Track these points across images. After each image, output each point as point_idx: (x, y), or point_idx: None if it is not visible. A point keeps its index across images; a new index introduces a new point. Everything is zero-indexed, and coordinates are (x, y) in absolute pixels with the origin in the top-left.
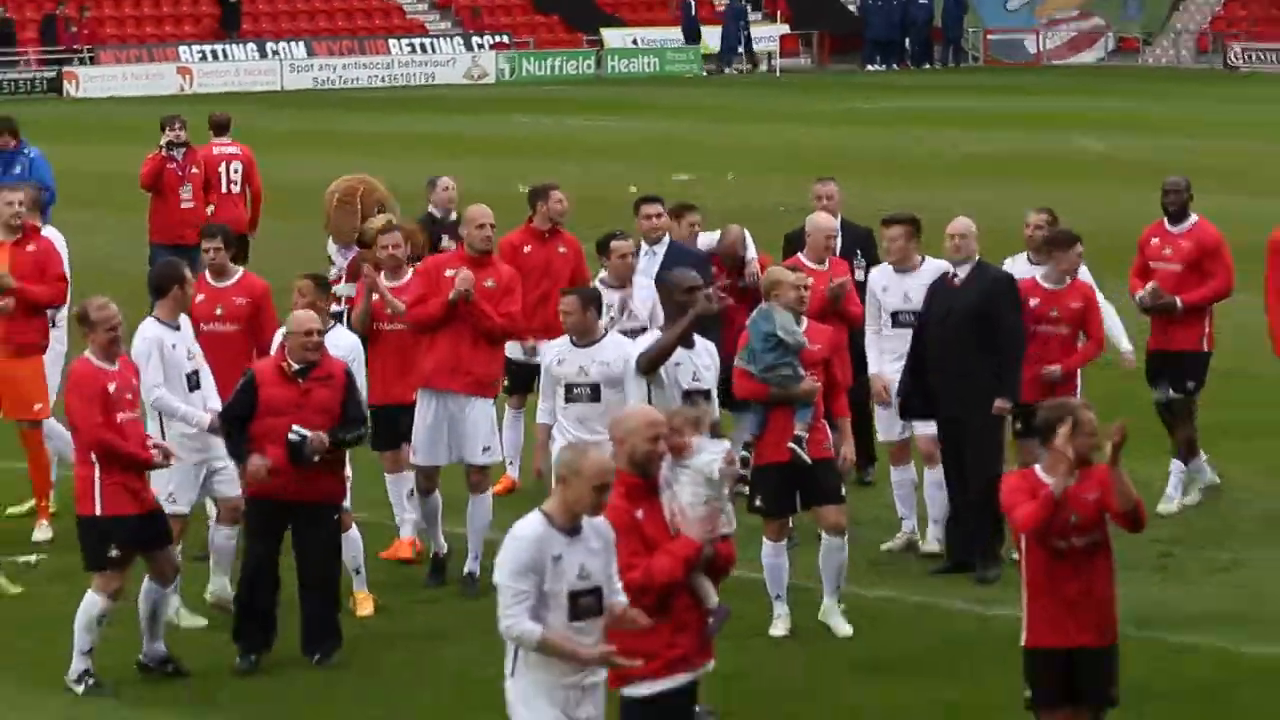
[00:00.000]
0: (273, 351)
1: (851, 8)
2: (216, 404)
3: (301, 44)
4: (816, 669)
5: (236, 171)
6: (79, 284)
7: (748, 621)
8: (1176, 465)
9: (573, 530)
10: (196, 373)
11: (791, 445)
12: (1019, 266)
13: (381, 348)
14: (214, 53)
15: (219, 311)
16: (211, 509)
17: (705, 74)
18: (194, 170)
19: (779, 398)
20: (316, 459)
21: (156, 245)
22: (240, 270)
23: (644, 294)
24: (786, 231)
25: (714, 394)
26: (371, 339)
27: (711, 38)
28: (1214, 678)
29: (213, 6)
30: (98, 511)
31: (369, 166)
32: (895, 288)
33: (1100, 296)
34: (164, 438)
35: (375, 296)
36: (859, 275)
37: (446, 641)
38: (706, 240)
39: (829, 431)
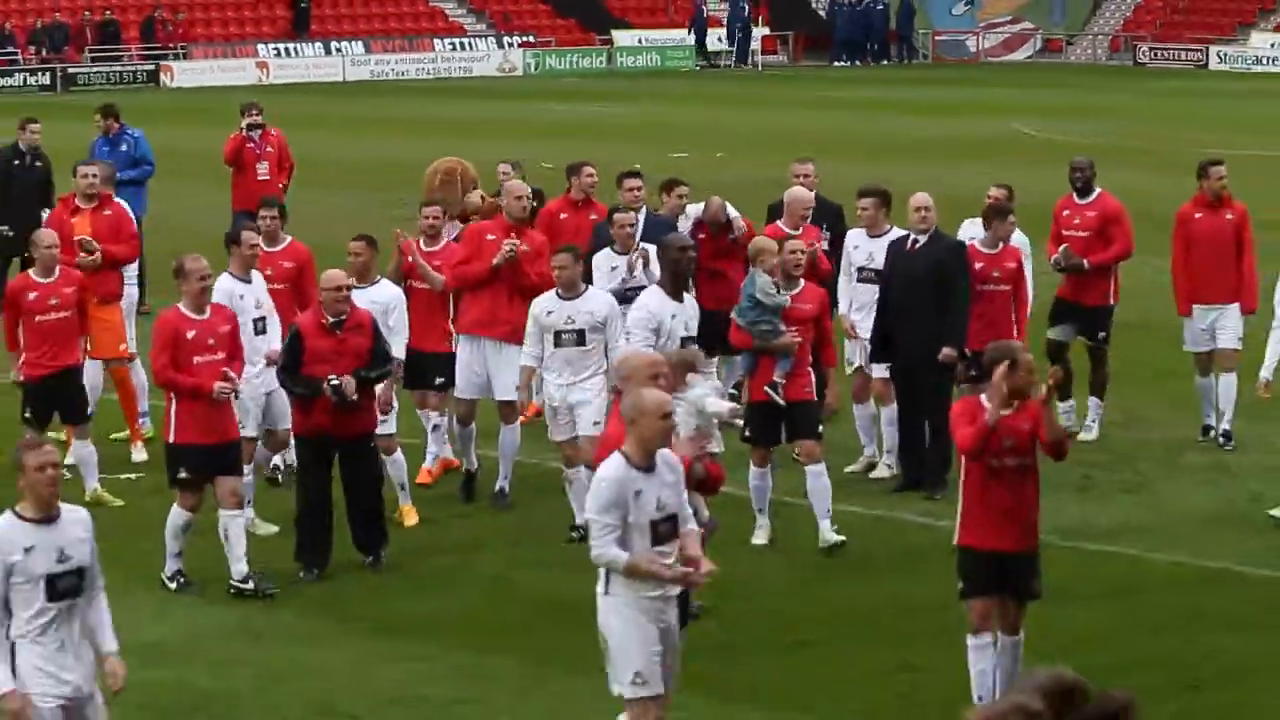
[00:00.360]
0: None
1: (821, 13)
2: (279, 346)
3: (360, 42)
4: (792, 572)
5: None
6: (173, 244)
7: (735, 533)
8: (1094, 401)
9: (649, 467)
10: (264, 319)
11: (767, 389)
12: (975, 230)
13: (413, 301)
14: (287, 50)
15: (269, 273)
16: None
17: (699, 68)
18: (269, 149)
19: (760, 348)
20: (354, 397)
21: (238, 213)
22: (289, 237)
23: (598, 259)
24: (770, 203)
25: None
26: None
27: (709, 40)
28: (1126, 580)
29: (286, 10)
30: (171, 439)
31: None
32: (864, 248)
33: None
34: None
35: (409, 258)
36: (824, 245)
37: (481, 550)
38: (695, 210)
39: (812, 377)
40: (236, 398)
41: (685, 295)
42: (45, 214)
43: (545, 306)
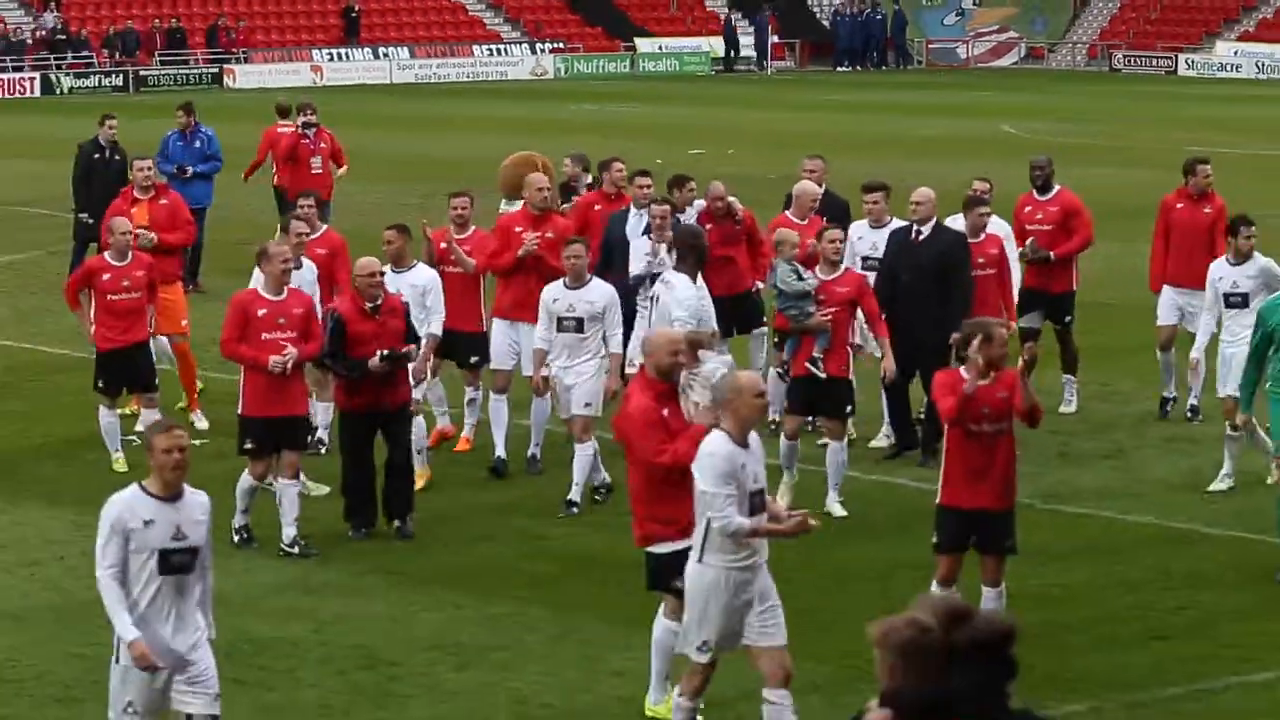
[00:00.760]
0: None
1: (825, 23)
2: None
3: (406, 48)
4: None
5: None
6: (235, 231)
7: None
8: (1068, 378)
9: (746, 444)
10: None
11: (807, 364)
12: (958, 224)
13: (446, 284)
14: (339, 54)
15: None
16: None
17: (714, 73)
18: (322, 145)
19: (797, 329)
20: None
21: (292, 202)
22: (325, 226)
23: (636, 245)
24: (787, 192)
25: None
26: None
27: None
28: (1102, 540)
29: (338, 19)
30: (240, 411)
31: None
32: (868, 238)
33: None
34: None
35: (443, 245)
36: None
37: (515, 510)
38: (701, 203)
39: (849, 356)
40: (288, 372)
41: (700, 280)
42: None
43: (553, 294)
